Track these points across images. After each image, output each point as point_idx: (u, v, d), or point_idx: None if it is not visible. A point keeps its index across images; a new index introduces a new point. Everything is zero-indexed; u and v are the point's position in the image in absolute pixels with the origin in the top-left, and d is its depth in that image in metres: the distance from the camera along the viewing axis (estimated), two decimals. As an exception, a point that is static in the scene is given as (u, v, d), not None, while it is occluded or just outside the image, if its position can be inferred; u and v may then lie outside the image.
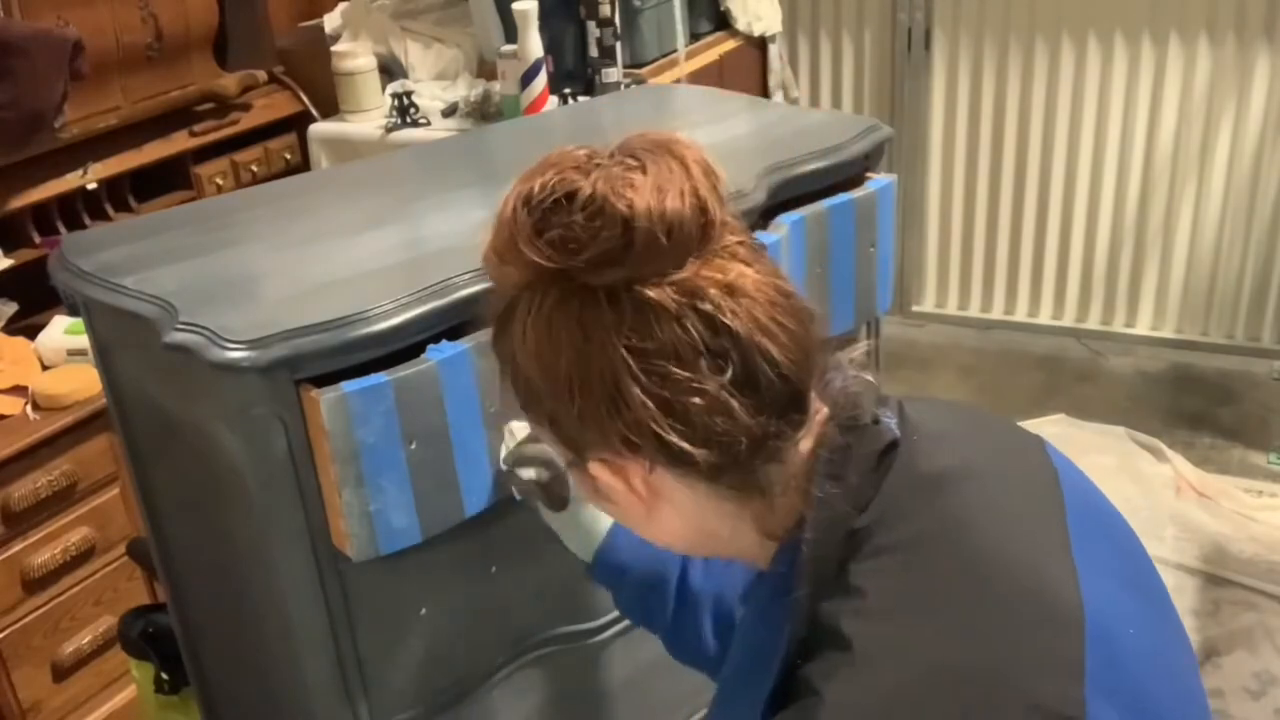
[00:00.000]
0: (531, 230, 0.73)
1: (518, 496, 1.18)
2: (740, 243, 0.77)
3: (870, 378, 0.81)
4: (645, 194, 0.72)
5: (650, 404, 0.73)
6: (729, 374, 0.74)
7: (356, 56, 2.75)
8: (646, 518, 0.83)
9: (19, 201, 2.32)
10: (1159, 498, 2.87)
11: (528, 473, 1.14)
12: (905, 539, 0.75)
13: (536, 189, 0.74)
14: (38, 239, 2.36)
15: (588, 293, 0.74)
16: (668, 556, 1.13)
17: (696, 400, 0.73)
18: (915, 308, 3.94)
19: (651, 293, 0.73)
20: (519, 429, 1.15)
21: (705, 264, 0.74)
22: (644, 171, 0.73)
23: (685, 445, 0.75)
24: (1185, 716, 0.78)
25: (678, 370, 0.73)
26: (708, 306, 0.73)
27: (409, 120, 2.67)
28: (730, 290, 0.74)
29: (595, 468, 0.80)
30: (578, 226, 0.72)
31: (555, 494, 1.15)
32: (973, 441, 0.84)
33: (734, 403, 0.74)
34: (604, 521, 1.16)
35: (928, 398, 0.93)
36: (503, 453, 1.17)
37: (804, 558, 0.77)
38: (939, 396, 3.45)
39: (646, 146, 0.75)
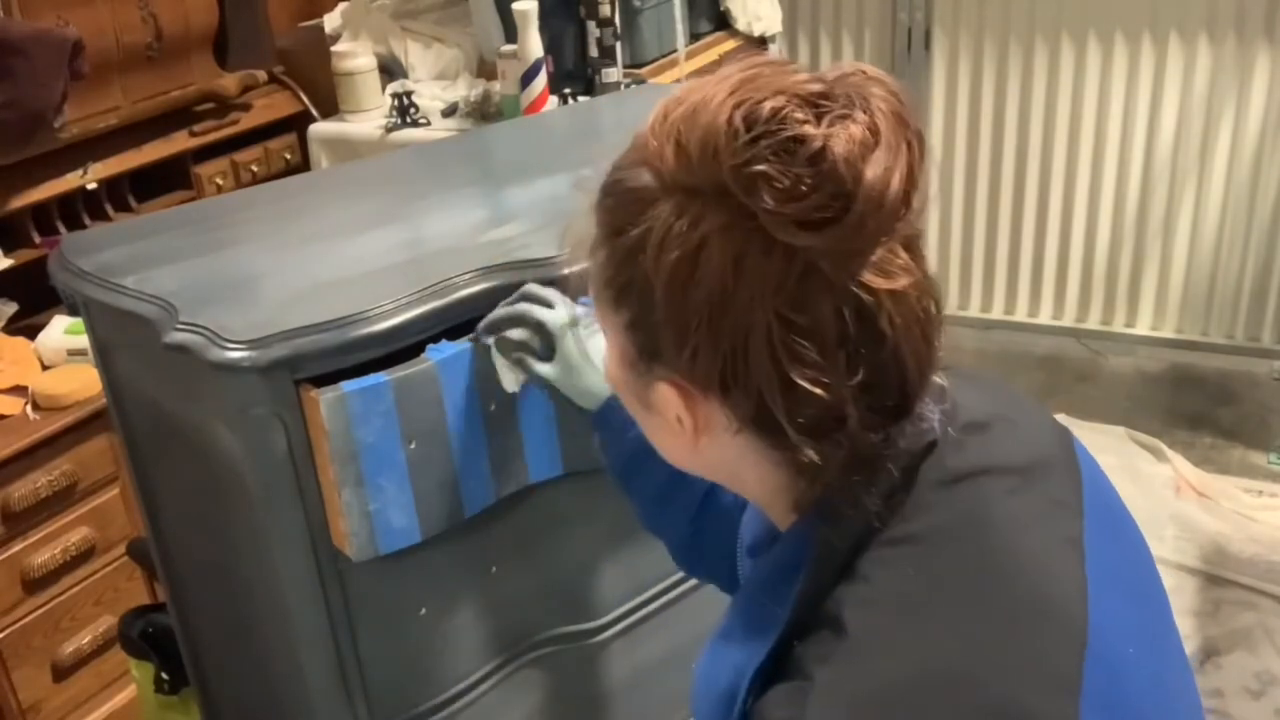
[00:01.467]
0: (746, 157, 0.65)
1: (502, 363, 1.14)
2: (914, 233, 0.71)
3: (940, 378, 0.75)
4: (876, 167, 0.65)
5: (775, 375, 0.68)
6: (860, 377, 0.69)
7: (356, 56, 2.74)
8: (682, 445, 0.78)
9: (19, 201, 2.32)
10: (1159, 498, 2.87)
11: (517, 332, 1.11)
12: (919, 532, 0.73)
13: (766, 113, 0.66)
14: (38, 239, 2.36)
15: (760, 239, 0.66)
16: None
17: (818, 391, 0.69)
18: (915, 308, 3.93)
19: (828, 268, 0.67)
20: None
21: (887, 254, 0.69)
22: (875, 134, 0.66)
23: (791, 430, 0.70)
24: None
25: (815, 354, 0.68)
26: (871, 301, 0.68)
27: (409, 120, 2.67)
28: (895, 296, 0.69)
29: (664, 387, 0.74)
30: (796, 179, 0.64)
31: (541, 347, 1.12)
32: (1006, 434, 0.80)
33: (852, 409, 0.70)
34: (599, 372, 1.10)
35: (973, 376, 0.87)
36: (481, 326, 1.13)
37: (818, 539, 0.74)
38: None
39: (881, 103, 0.67)
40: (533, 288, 1.14)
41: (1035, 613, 0.71)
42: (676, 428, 0.76)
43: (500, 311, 1.13)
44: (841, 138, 0.65)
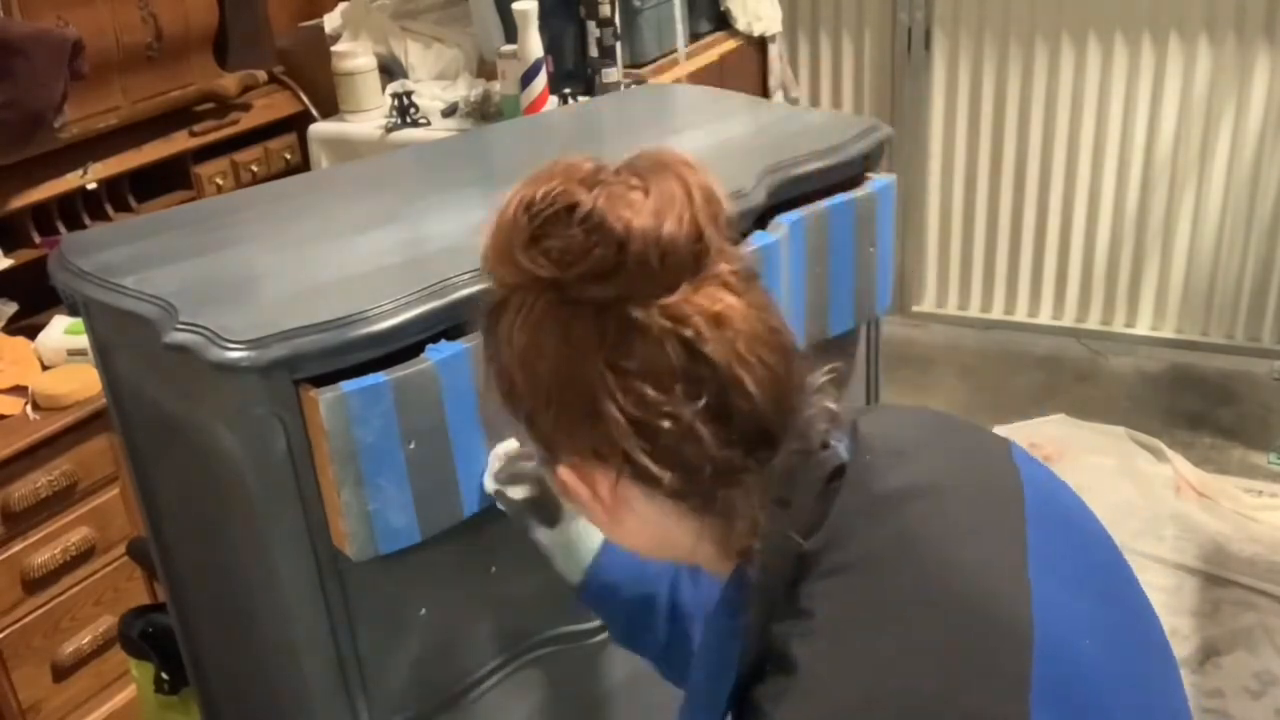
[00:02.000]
0: (528, 237, 0.74)
1: (508, 512, 1.18)
2: (734, 271, 0.77)
3: (829, 403, 0.80)
4: (644, 216, 0.72)
5: (623, 421, 0.75)
6: (703, 402, 0.75)
7: (356, 56, 2.75)
8: (610, 523, 0.84)
9: (19, 201, 2.32)
10: (1159, 498, 2.87)
11: (517, 491, 1.14)
12: (853, 560, 0.76)
13: (539, 196, 0.74)
14: (38, 239, 2.36)
15: (576, 305, 0.74)
16: (658, 574, 1.13)
17: (667, 424, 0.75)
18: (915, 308, 3.93)
19: (638, 314, 0.74)
20: (504, 451, 1.16)
21: (696, 290, 0.75)
22: (646, 193, 0.73)
23: (651, 465, 0.76)
24: None
25: (653, 393, 0.74)
26: (690, 334, 0.74)
27: (409, 120, 2.67)
28: (716, 320, 0.75)
29: (564, 471, 0.81)
30: (574, 240, 0.73)
31: (547, 511, 1.16)
32: (931, 456, 0.84)
33: (704, 431, 0.75)
34: (594, 540, 1.16)
35: (894, 407, 0.94)
36: (487, 475, 1.17)
37: (752, 581, 0.78)
38: (940, 397, 3.45)
39: (652, 166, 0.75)
40: None
41: (977, 620, 0.73)
42: (599, 509, 0.82)
43: (519, 466, 1.15)
44: (609, 196, 0.73)
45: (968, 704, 0.70)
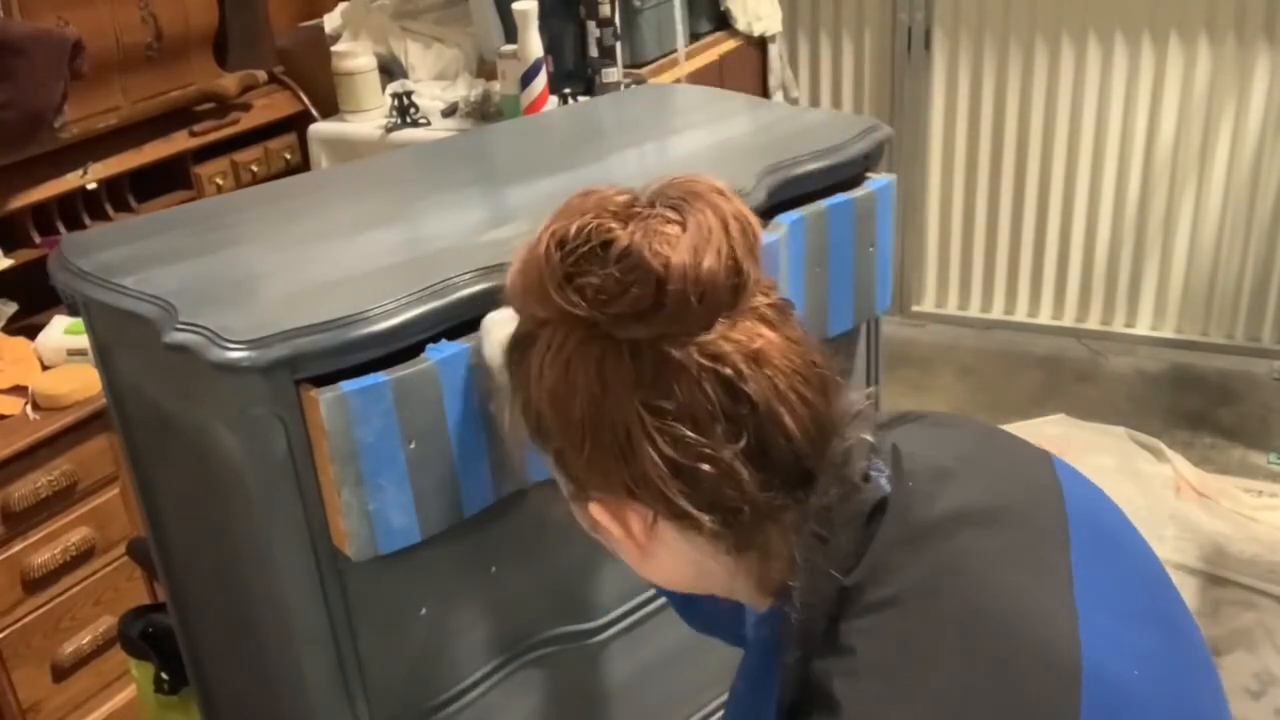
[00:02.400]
0: (563, 275, 0.72)
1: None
2: (771, 304, 0.76)
3: (866, 435, 0.78)
4: (682, 252, 0.70)
5: (660, 462, 0.73)
6: (743, 443, 0.73)
7: (356, 56, 2.74)
8: (642, 559, 0.82)
9: (19, 201, 2.32)
10: (1159, 498, 2.87)
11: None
12: (895, 595, 0.73)
13: (573, 232, 0.72)
14: (38, 239, 2.36)
15: (611, 343, 0.72)
16: None
17: (707, 467, 0.72)
18: (915, 308, 3.94)
19: (676, 352, 0.71)
20: (498, 316, 1.09)
21: (733, 326, 0.73)
22: (683, 227, 0.71)
23: (689, 507, 0.74)
24: None
25: (692, 434, 0.72)
26: (729, 372, 0.72)
27: (409, 120, 2.67)
28: (755, 357, 0.73)
29: (595, 508, 0.79)
30: (610, 279, 0.70)
31: None
32: (973, 476, 0.81)
33: (744, 473, 0.73)
34: None
35: (933, 420, 0.90)
36: (488, 345, 1.10)
37: (792, 619, 0.76)
38: (940, 397, 3.45)
39: (686, 196, 0.73)
40: None
41: (1023, 653, 0.71)
42: (631, 546, 0.80)
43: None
44: (646, 232, 0.70)
45: None
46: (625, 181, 0.78)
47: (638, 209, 0.73)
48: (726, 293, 0.72)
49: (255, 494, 1.10)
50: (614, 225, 0.71)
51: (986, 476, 0.82)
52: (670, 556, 0.80)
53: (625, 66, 2.72)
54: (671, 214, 0.72)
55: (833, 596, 0.74)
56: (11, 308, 2.35)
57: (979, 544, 0.75)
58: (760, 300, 0.75)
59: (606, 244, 0.71)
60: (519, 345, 0.78)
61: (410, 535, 1.12)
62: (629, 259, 0.70)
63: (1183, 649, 0.80)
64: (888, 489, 0.77)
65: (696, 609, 1.13)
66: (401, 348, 1.10)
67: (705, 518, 0.74)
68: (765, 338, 0.73)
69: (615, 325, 0.71)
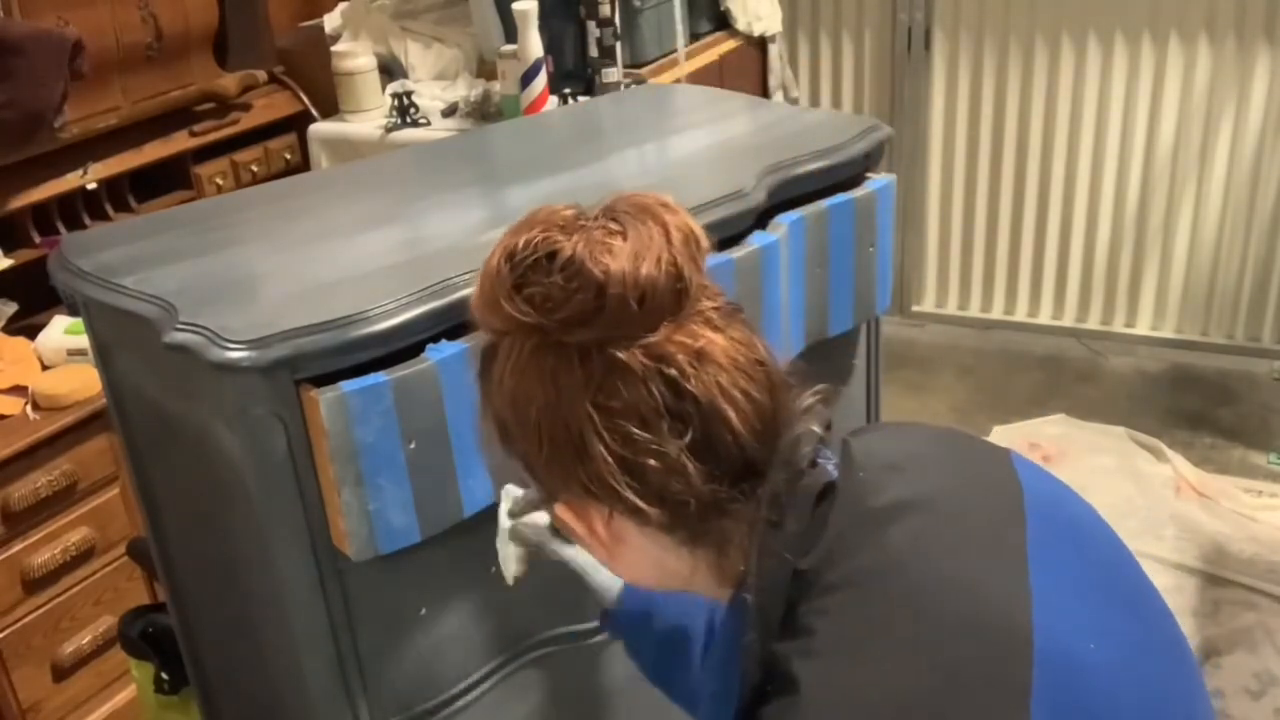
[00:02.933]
0: (511, 286, 0.76)
1: (526, 547, 1.17)
2: (716, 308, 0.80)
3: (815, 425, 0.81)
4: (621, 260, 0.74)
5: (610, 460, 0.77)
6: (688, 438, 0.77)
7: (356, 56, 2.75)
8: (609, 556, 0.87)
9: (19, 201, 2.32)
10: (1159, 498, 2.87)
11: (537, 517, 1.14)
12: (849, 576, 0.76)
13: (521, 245, 0.76)
14: (38, 239, 2.36)
15: (561, 348, 0.77)
16: (696, 603, 1.12)
17: (653, 462, 0.77)
18: (915, 308, 3.93)
19: (621, 354, 0.76)
20: (515, 489, 1.17)
21: (678, 329, 0.77)
22: (624, 237, 0.75)
23: (639, 502, 0.78)
24: None
25: (639, 431, 0.76)
26: (673, 372, 0.76)
27: (409, 120, 2.67)
28: (698, 357, 0.77)
29: (560, 509, 0.84)
30: (555, 286, 0.75)
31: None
32: (926, 468, 0.85)
33: (690, 467, 0.77)
34: None
35: (889, 424, 0.96)
36: (502, 513, 1.17)
37: (751, 604, 0.79)
38: (940, 397, 3.45)
39: (630, 210, 0.77)
40: None
41: (974, 630, 0.73)
42: (596, 543, 0.86)
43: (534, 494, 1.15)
44: (587, 241, 0.75)
45: (969, 716, 0.70)
46: (625, 181, 0.79)
47: (583, 223, 0.77)
48: (668, 297, 0.76)
49: (255, 494, 1.10)
50: (560, 237, 0.76)
51: (939, 470, 0.85)
52: (632, 553, 0.85)
53: (625, 66, 2.72)
54: (614, 225, 0.76)
55: (788, 580, 0.78)
56: (11, 308, 2.35)
57: (931, 528, 0.78)
58: (706, 304, 0.79)
59: (552, 255, 0.75)
60: (484, 357, 0.83)
61: (410, 535, 1.13)
62: (571, 267, 0.74)
63: (1149, 631, 0.83)
64: (834, 474, 0.81)
65: (673, 671, 1.15)
66: (401, 348, 1.10)
67: (654, 511, 0.78)
68: (708, 339, 0.77)
69: (562, 330, 0.76)
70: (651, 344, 0.76)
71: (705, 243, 0.78)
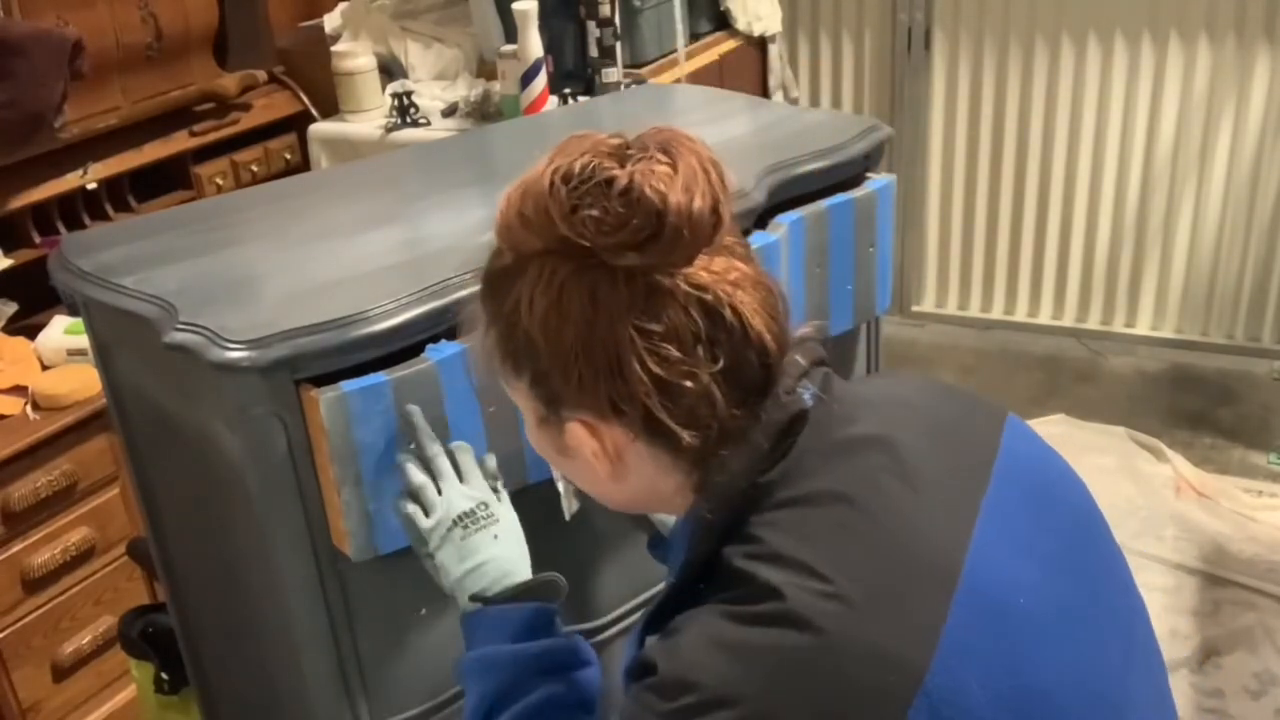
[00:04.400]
0: (569, 207, 0.78)
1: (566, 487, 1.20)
2: (738, 242, 0.85)
3: (799, 357, 0.85)
4: (678, 191, 0.78)
5: (647, 380, 0.80)
6: (720, 364, 0.81)
7: (356, 56, 2.75)
8: (606, 477, 0.88)
9: (19, 201, 2.32)
10: (1159, 498, 2.87)
11: None
12: (804, 495, 0.81)
13: (578, 168, 0.79)
14: (38, 239, 2.36)
15: (605, 271, 0.79)
16: None
17: (689, 384, 0.80)
18: (915, 308, 3.93)
19: (665, 281, 0.79)
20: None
21: (711, 260, 0.81)
22: (674, 169, 0.78)
23: (670, 422, 0.81)
24: (1083, 698, 0.80)
25: (677, 353, 0.80)
26: (710, 298, 0.80)
27: (409, 120, 2.67)
28: (734, 285, 0.81)
29: (574, 426, 0.85)
30: (613, 211, 0.77)
31: (644, 521, 1.21)
32: (906, 413, 0.89)
33: (717, 393, 0.81)
34: None
35: (894, 372, 1.01)
36: (567, 500, 1.21)
37: (703, 509, 0.83)
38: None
39: (670, 142, 0.80)
40: None
41: (905, 561, 0.78)
42: (595, 463, 0.87)
43: None
44: (644, 172, 0.78)
45: (874, 639, 0.74)
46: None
47: (631, 151, 0.80)
48: (710, 229, 0.80)
49: (255, 494, 1.10)
50: (612, 164, 0.79)
51: (917, 418, 0.89)
52: (631, 475, 0.87)
53: (625, 66, 2.72)
54: (663, 156, 0.79)
55: (741, 491, 0.82)
56: (11, 308, 2.35)
57: (889, 467, 0.82)
58: (730, 240, 0.83)
59: (608, 181, 0.78)
60: (503, 277, 0.84)
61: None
62: (631, 193, 0.77)
63: (1094, 603, 0.85)
64: (809, 403, 0.84)
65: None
66: (401, 348, 1.10)
67: (685, 433, 0.82)
68: (740, 270, 0.82)
69: (612, 254, 0.78)
70: (691, 273, 0.80)
71: (731, 178, 0.82)
